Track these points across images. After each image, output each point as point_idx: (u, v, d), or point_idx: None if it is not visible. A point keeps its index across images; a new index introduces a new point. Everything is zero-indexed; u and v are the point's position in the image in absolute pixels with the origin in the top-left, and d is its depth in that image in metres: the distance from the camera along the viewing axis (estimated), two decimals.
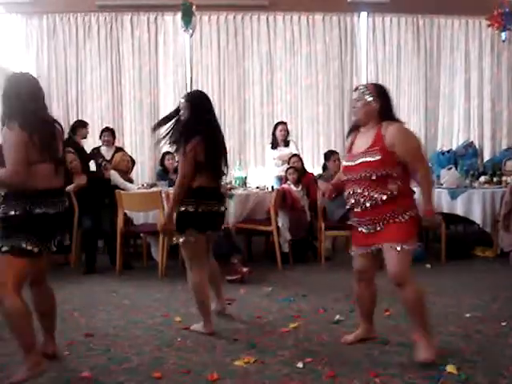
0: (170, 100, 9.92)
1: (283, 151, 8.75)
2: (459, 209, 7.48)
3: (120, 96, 9.98)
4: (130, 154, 8.97)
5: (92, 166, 8.25)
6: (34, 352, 3.61)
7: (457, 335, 4.09)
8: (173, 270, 6.89)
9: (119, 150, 8.62)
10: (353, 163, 4.00)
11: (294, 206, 7.64)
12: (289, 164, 8.22)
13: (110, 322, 5.04)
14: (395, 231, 3.84)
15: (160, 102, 10.06)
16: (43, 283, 3.99)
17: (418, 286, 3.89)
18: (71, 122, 9.29)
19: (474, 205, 7.52)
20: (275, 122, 9.21)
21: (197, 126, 4.65)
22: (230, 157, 9.21)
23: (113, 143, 8.71)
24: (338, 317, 5.05)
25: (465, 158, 9.41)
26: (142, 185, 8.25)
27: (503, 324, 4.76)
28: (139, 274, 7.14)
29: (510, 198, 7.12)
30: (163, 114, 9.63)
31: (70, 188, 7.22)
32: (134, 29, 9.88)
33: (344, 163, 4.20)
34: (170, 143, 4.85)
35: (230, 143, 9.76)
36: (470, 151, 9.90)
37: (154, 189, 7.63)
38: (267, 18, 10.06)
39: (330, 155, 8.17)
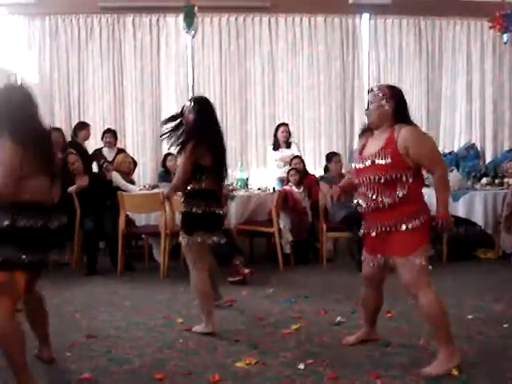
0: (172, 101, 9.93)
1: (285, 152, 8.75)
2: (461, 210, 7.48)
3: (122, 97, 9.99)
4: (131, 155, 8.98)
5: (94, 167, 8.28)
6: (25, 372, 3.46)
7: (459, 337, 4.08)
8: (174, 272, 6.89)
9: (121, 151, 8.62)
10: (363, 165, 3.92)
11: (296, 207, 7.64)
12: (290, 165, 8.22)
13: (111, 324, 5.04)
14: (404, 241, 3.74)
15: (162, 103, 10.07)
16: (33, 291, 3.85)
17: (433, 295, 3.74)
18: (73, 123, 9.33)
19: (475, 206, 7.53)
20: (277, 124, 9.21)
21: (202, 129, 4.75)
22: (231, 158, 9.37)
23: (115, 144, 8.71)
24: (339, 318, 5.04)
25: (466, 160, 9.41)
26: (144, 186, 8.25)
27: (505, 326, 4.75)
28: (141, 275, 7.14)
29: (511, 199, 7.12)
30: (165, 115, 9.72)
31: (71, 189, 7.25)
32: (136, 30, 9.89)
33: (355, 165, 4.09)
34: (173, 144, 4.92)
35: (232, 144, 9.80)
36: (471, 153, 9.90)
37: (156, 190, 7.63)
38: (269, 20, 10.06)
39: (331, 157, 8.17)
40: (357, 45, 10.32)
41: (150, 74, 9.96)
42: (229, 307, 5.49)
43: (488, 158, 10.23)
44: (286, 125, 8.97)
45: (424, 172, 3.97)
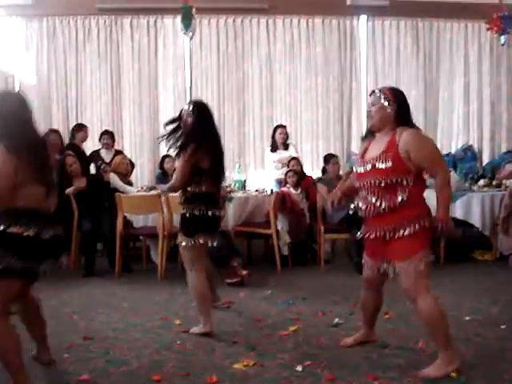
0: (170, 103, 9.94)
1: (282, 154, 8.74)
2: (458, 212, 7.48)
3: (119, 99, 9.99)
4: (129, 156, 8.98)
5: (92, 169, 8.28)
6: (22, 373, 3.44)
7: (456, 338, 4.08)
8: (172, 273, 6.89)
9: (119, 152, 8.62)
10: (364, 169, 3.90)
11: (294, 209, 7.64)
12: (288, 167, 8.22)
13: (109, 325, 5.03)
14: (404, 246, 3.72)
15: (159, 104, 10.08)
16: (27, 295, 3.81)
17: (432, 300, 3.72)
18: (71, 125, 9.35)
19: (473, 208, 7.53)
20: (275, 125, 9.20)
21: (200, 132, 4.81)
22: (229, 160, 9.33)
23: (112, 146, 8.71)
24: (337, 320, 5.04)
25: (464, 161, 9.43)
26: (142, 188, 8.26)
27: (503, 327, 4.76)
28: (138, 276, 7.14)
29: (509, 201, 7.13)
30: (163, 116, 9.82)
31: (69, 191, 7.25)
32: (133, 32, 9.89)
33: (357, 169, 4.05)
34: (171, 147, 4.98)
35: (230, 146, 9.81)
36: (469, 154, 9.92)
37: (154, 192, 7.63)
38: (267, 22, 10.08)
39: (329, 158, 8.18)
40: (354, 46, 10.34)
41: (148, 76, 9.97)
42: (227, 309, 5.50)
43: (485, 160, 10.25)
44: (284, 126, 8.97)
45: (426, 176, 3.93)
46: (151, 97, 10.00)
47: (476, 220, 7.52)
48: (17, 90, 9.40)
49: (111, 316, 5.33)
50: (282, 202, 7.59)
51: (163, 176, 8.39)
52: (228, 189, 7.49)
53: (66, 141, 8.57)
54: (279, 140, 8.79)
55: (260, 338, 4.62)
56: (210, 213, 4.80)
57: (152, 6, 9.75)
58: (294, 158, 8.43)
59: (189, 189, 4.77)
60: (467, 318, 5.02)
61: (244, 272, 6.53)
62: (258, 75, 10.11)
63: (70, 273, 7.27)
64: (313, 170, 9.75)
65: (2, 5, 9.54)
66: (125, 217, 7.24)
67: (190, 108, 4.87)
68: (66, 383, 3.76)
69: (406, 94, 4.01)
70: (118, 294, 6.23)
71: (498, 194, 7.56)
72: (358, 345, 4.34)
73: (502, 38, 9.21)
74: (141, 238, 7.98)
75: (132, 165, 8.64)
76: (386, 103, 3.85)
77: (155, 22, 9.92)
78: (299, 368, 3.91)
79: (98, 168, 8.12)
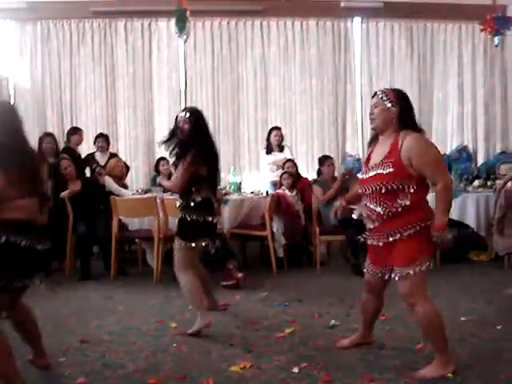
0: (164, 105, 9.94)
1: (278, 156, 8.74)
2: (453, 213, 7.46)
3: (114, 102, 9.97)
4: (124, 159, 8.98)
5: (87, 172, 8.27)
6: (17, 377, 3.41)
7: (452, 339, 4.09)
8: (168, 276, 6.85)
9: (113, 155, 8.62)
10: (366, 176, 3.87)
11: (289, 210, 7.64)
12: (283, 169, 8.22)
13: (105, 329, 5.03)
14: (404, 252, 3.69)
15: (154, 107, 10.06)
16: (18, 304, 3.77)
17: (429, 306, 3.73)
18: (65, 128, 9.35)
19: (468, 209, 7.55)
20: (269, 128, 9.21)
21: (198, 139, 4.94)
22: (224, 162, 9.36)
23: (107, 149, 8.69)
24: (333, 322, 5.05)
25: (459, 162, 9.43)
26: (137, 190, 8.25)
27: (498, 328, 4.77)
28: (134, 280, 7.13)
29: (504, 201, 7.14)
30: (157, 119, 9.82)
31: (64, 194, 7.24)
32: (127, 34, 9.88)
33: (359, 175, 4.04)
34: (171, 154, 5.09)
35: (225, 148, 9.81)
36: (463, 155, 9.93)
37: (149, 194, 7.63)
38: (261, 24, 10.08)
39: (324, 160, 8.18)
40: (349, 48, 10.34)
41: (142, 79, 9.95)
42: (223, 311, 5.49)
43: (480, 161, 10.26)
44: (279, 129, 8.97)
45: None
46: (146, 99, 9.99)
47: (471, 220, 7.54)
48: (8, 96, 9.40)
49: (107, 319, 5.33)
50: (278, 204, 7.59)
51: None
52: (223, 191, 7.49)
53: (61, 144, 8.56)
54: (274, 142, 8.79)
55: (256, 340, 4.62)
56: (209, 218, 4.96)
57: (146, 8, 9.74)
58: (289, 160, 8.43)
59: (192, 196, 4.90)
60: (463, 319, 5.03)
61: (240, 274, 6.53)
62: (253, 77, 10.11)
63: (65, 276, 7.25)
64: (308, 172, 9.74)
65: None
66: (120, 220, 7.23)
67: (187, 115, 4.95)
68: None
69: None
70: (114, 297, 6.22)
71: (493, 194, 7.57)
72: (355, 346, 4.34)
73: (496, 39, 9.21)
74: (136, 241, 7.97)
75: (127, 167, 8.64)
76: (389, 104, 3.80)
77: (149, 24, 9.91)
78: (296, 370, 3.92)
79: (92, 171, 8.11)
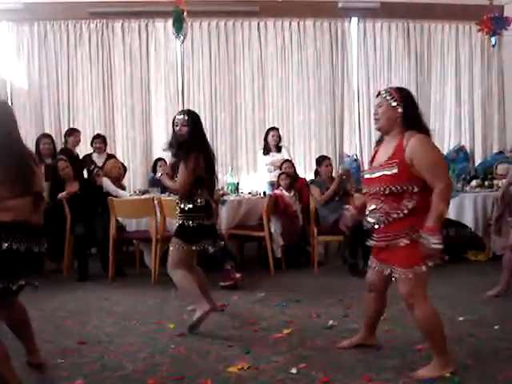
0: (162, 106, 9.93)
1: (275, 157, 8.74)
2: (451, 212, 7.46)
3: (111, 102, 9.96)
4: (121, 160, 8.98)
5: (84, 173, 8.26)
6: (13, 378, 3.40)
7: (450, 339, 4.08)
8: (165, 277, 6.80)
9: (111, 156, 8.62)
10: (371, 176, 3.83)
11: (287, 211, 7.64)
12: (281, 169, 8.22)
13: (103, 330, 5.03)
14: (408, 253, 3.64)
15: (151, 108, 10.05)
16: (13, 304, 3.78)
17: (429, 308, 3.72)
18: (63, 129, 9.35)
19: (465, 209, 7.55)
20: (267, 128, 9.21)
21: (198, 141, 5.02)
22: (222, 163, 9.38)
23: (104, 150, 8.70)
24: (331, 322, 5.05)
25: (456, 162, 9.43)
26: (135, 192, 8.25)
27: (496, 327, 4.77)
28: (132, 281, 7.12)
29: (501, 201, 7.11)
30: (155, 120, 9.81)
31: (61, 195, 7.23)
32: (125, 35, 9.87)
33: (365, 175, 3.98)
34: (172, 155, 5.21)
35: (222, 149, 9.83)
36: (461, 155, 9.93)
37: (147, 195, 7.63)
38: (258, 24, 10.07)
39: (321, 160, 8.17)
40: (346, 48, 10.34)
41: (140, 79, 9.94)
42: (220, 312, 5.49)
43: (477, 161, 10.26)
44: (277, 129, 8.97)
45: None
46: (143, 100, 9.98)
47: (469, 220, 7.54)
48: (5, 97, 9.38)
49: (105, 320, 5.33)
50: (275, 204, 7.59)
51: (156, 180, 8.37)
52: (221, 192, 7.49)
53: (59, 145, 8.56)
54: (272, 143, 8.80)
55: (254, 340, 4.62)
56: (209, 221, 5.08)
57: (143, 9, 9.73)
58: (286, 161, 8.43)
59: (194, 198, 4.98)
60: (460, 319, 5.04)
61: (238, 275, 6.53)
62: (250, 78, 10.11)
63: (63, 277, 7.25)
64: (305, 173, 9.75)
65: None
66: (118, 221, 7.23)
67: (186, 117, 5.00)
68: None
69: None
70: (112, 298, 6.22)
71: (491, 194, 7.57)
72: (354, 347, 4.34)
73: (493, 39, 9.22)
74: (134, 242, 7.97)
75: (124, 169, 8.64)
76: (394, 103, 3.75)
77: (146, 25, 9.90)
78: (294, 370, 3.92)
79: (90, 172, 8.10)
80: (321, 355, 4.23)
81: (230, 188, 8.07)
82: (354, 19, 10.29)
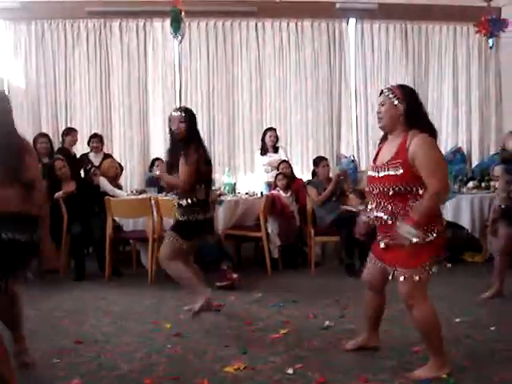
0: (159, 106, 9.92)
1: (272, 157, 8.75)
2: (448, 214, 7.47)
3: (109, 102, 9.95)
4: (119, 160, 8.99)
5: (81, 172, 8.26)
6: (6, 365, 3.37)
7: (446, 340, 4.08)
8: (162, 277, 6.85)
9: (107, 156, 8.61)
10: (377, 174, 3.76)
11: (284, 211, 7.64)
12: (278, 170, 8.23)
13: (99, 329, 5.02)
14: (410, 254, 3.60)
15: (149, 108, 10.04)
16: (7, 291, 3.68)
17: (428, 310, 3.71)
18: (60, 129, 9.35)
19: (462, 210, 7.55)
20: (264, 128, 9.21)
21: (195, 138, 5.11)
22: (219, 163, 9.39)
23: (101, 149, 8.68)
24: (327, 322, 5.05)
25: (453, 164, 9.44)
26: (132, 191, 8.24)
27: (492, 329, 4.78)
28: (129, 280, 7.11)
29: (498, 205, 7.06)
30: (152, 119, 9.80)
31: (58, 195, 7.22)
32: (123, 35, 9.86)
33: (368, 173, 3.95)
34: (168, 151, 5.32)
35: (220, 149, 9.83)
36: (458, 157, 9.94)
37: (144, 195, 7.62)
38: (256, 25, 10.06)
39: (319, 161, 8.16)
40: (343, 49, 10.35)
41: (138, 79, 9.93)
42: (217, 312, 5.48)
43: (474, 162, 10.27)
44: (274, 129, 8.97)
45: None
46: (141, 100, 9.97)
47: (465, 222, 7.54)
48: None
49: (102, 320, 5.32)
50: (272, 204, 7.59)
51: (153, 179, 8.36)
52: (218, 192, 7.49)
53: (56, 145, 8.55)
54: (269, 143, 8.80)
55: (251, 341, 4.62)
56: (208, 216, 5.17)
57: (141, 9, 9.72)
58: (283, 161, 8.43)
59: (195, 194, 5.04)
60: (457, 320, 5.04)
61: (234, 275, 6.53)
62: (248, 78, 10.10)
63: (60, 277, 7.23)
64: (303, 173, 9.73)
65: None
66: (114, 220, 7.22)
67: (183, 114, 5.05)
68: None
69: None
70: (109, 298, 6.21)
71: (487, 196, 7.58)
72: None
73: (491, 41, 9.23)
74: (131, 241, 7.96)
75: (121, 168, 8.63)
76: (396, 101, 3.72)
77: (144, 25, 9.89)
78: (290, 371, 3.92)
79: (87, 171, 8.10)
80: (317, 356, 4.23)
81: (227, 188, 8.05)
82: (352, 20, 10.30)
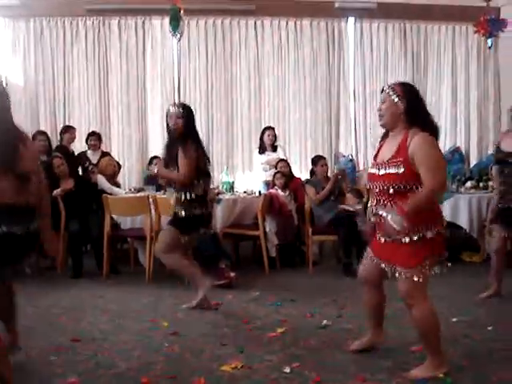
0: (158, 104, 9.91)
1: (271, 156, 8.74)
2: (446, 214, 7.47)
3: (107, 100, 9.93)
4: (117, 158, 8.99)
5: (79, 170, 8.25)
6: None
7: (444, 340, 4.08)
8: (160, 275, 6.86)
9: (105, 154, 8.61)
10: (377, 172, 3.74)
11: (282, 210, 7.63)
12: (276, 169, 8.22)
13: (97, 327, 5.02)
14: (409, 253, 3.60)
15: (147, 106, 10.03)
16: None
17: (428, 309, 3.71)
18: (58, 126, 9.33)
19: (460, 210, 7.55)
20: (263, 127, 9.21)
21: (193, 133, 5.18)
22: (217, 162, 9.39)
23: (99, 147, 8.68)
24: (325, 322, 5.04)
25: (451, 163, 9.44)
26: (130, 189, 8.24)
27: (490, 329, 4.78)
28: (126, 278, 7.11)
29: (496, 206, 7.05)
30: (151, 117, 9.78)
31: (56, 192, 7.21)
32: (121, 33, 9.84)
33: (369, 170, 3.94)
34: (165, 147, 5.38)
35: (218, 148, 9.83)
36: (456, 156, 9.94)
37: (142, 193, 7.62)
38: (255, 23, 10.06)
39: (317, 160, 8.16)
40: (342, 48, 10.34)
41: (136, 77, 9.92)
42: (214, 310, 5.48)
43: (473, 162, 10.27)
44: (272, 128, 8.97)
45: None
46: (139, 98, 9.96)
47: (463, 222, 7.54)
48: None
49: (99, 318, 5.31)
50: (270, 203, 7.58)
51: (151, 177, 8.36)
52: (216, 191, 7.48)
53: (54, 142, 8.55)
54: (267, 142, 8.79)
55: (248, 339, 4.62)
56: (205, 211, 5.25)
57: (140, 7, 9.71)
58: (282, 160, 8.43)
59: (194, 189, 5.14)
60: (455, 320, 5.04)
61: (232, 274, 6.52)
62: (246, 77, 10.09)
63: (57, 274, 7.23)
64: (301, 172, 9.73)
65: None
66: (112, 218, 7.22)
67: (181, 110, 5.06)
68: None
69: None
70: (106, 296, 6.21)
71: (485, 195, 7.58)
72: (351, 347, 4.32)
73: (489, 41, 9.23)
74: (128, 239, 7.96)
75: (119, 166, 8.63)
76: (396, 99, 3.72)
77: (143, 23, 9.87)
78: (287, 369, 3.91)
79: (84, 169, 8.09)
80: (314, 355, 4.23)
81: (225, 187, 8.05)
82: (351, 19, 10.29)
